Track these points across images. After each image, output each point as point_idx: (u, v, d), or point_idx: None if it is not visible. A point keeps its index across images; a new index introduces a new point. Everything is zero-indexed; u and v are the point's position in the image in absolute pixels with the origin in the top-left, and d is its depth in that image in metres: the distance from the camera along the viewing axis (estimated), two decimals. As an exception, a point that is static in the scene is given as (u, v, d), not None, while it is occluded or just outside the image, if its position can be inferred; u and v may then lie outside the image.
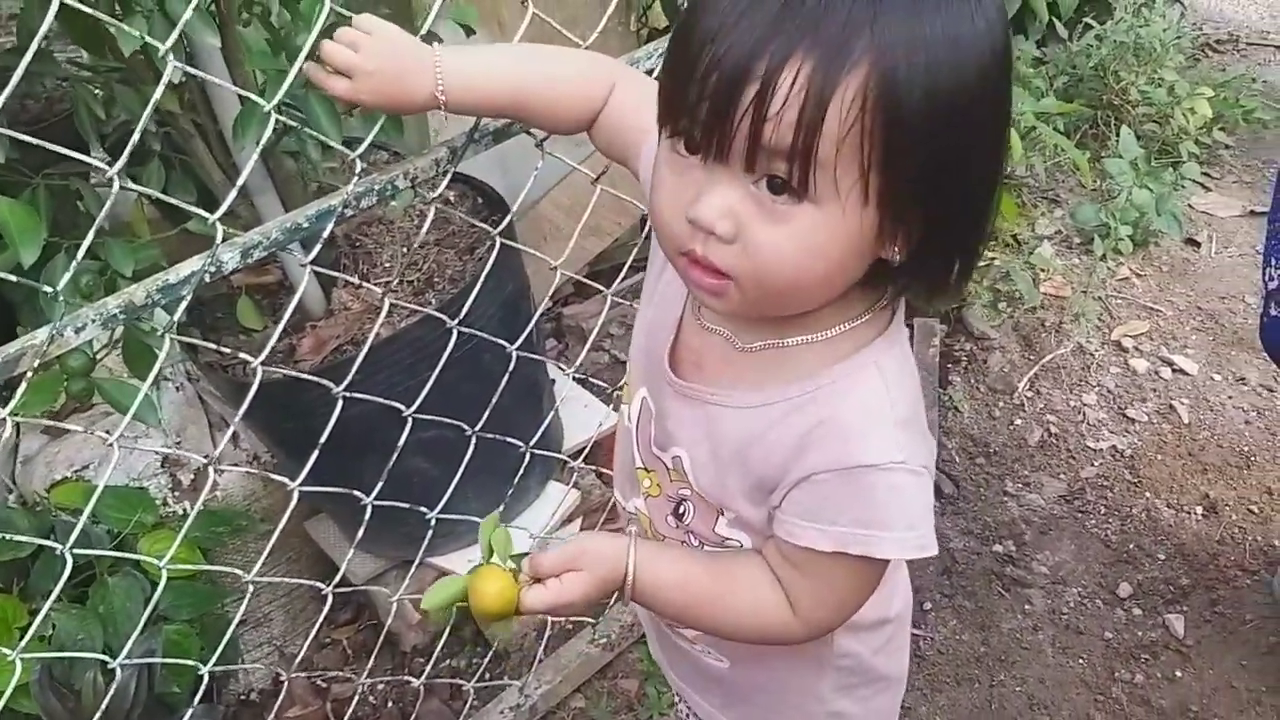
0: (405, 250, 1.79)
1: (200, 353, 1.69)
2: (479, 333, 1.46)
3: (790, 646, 1.06)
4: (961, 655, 1.95)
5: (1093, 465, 2.27)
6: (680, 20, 0.78)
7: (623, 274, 1.62)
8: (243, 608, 1.41)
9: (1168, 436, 2.32)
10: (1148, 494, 2.21)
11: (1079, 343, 2.54)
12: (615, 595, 0.95)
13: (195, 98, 1.51)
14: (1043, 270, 2.63)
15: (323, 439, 1.29)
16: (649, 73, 1.38)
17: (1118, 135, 2.86)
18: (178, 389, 1.96)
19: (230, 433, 1.58)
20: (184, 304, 1.10)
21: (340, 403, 1.30)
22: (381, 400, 1.36)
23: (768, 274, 0.77)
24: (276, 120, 1.11)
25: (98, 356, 1.41)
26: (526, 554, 0.93)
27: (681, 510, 0.99)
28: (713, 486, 0.94)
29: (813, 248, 0.76)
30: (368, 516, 1.44)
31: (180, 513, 1.80)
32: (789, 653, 1.07)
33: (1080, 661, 1.93)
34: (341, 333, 1.66)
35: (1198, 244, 2.85)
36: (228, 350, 1.27)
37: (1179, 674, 1.90)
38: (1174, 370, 2.47)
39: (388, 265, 1.76)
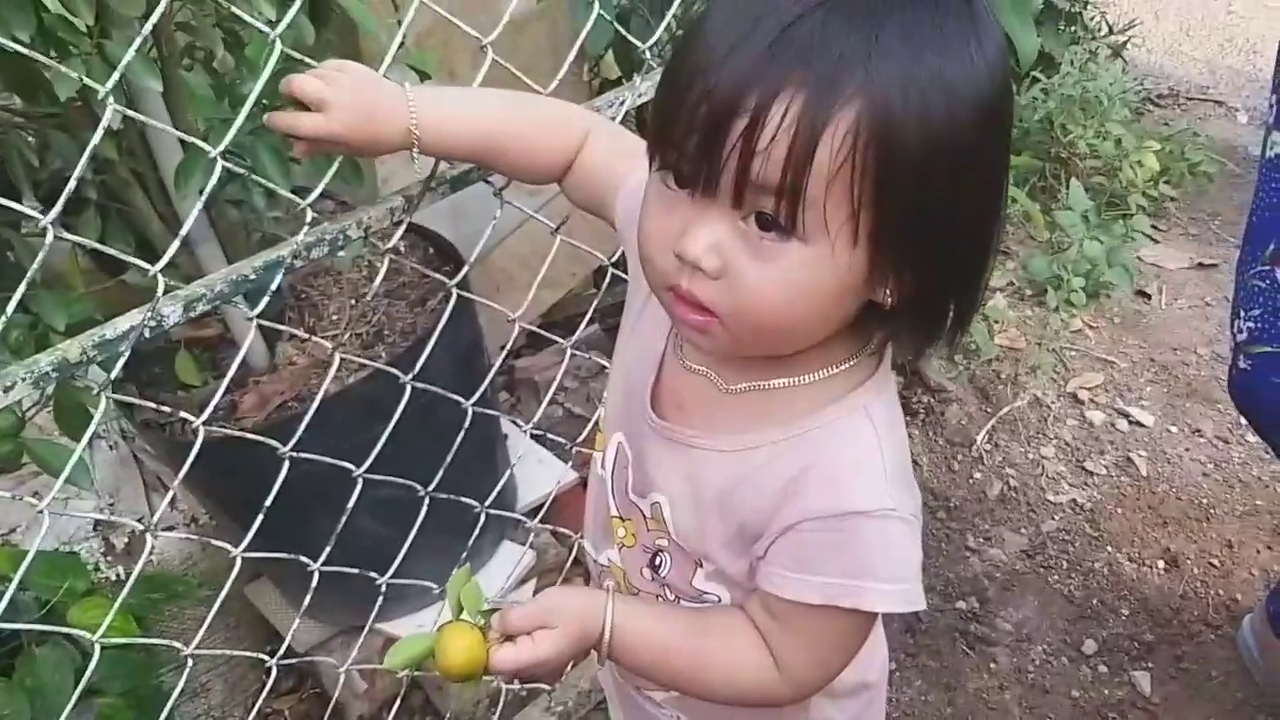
0: (354, 302, 1.72)
1: (136, 410, 1.61)
2: (433, 387, 1.40)
3: (760, 712, 1.01)
4: (928, 716, 1.91)
5: (1053, 519, 2.24)
6: (673, 53, 0.76)
7: (584, 324, 1.57)
8: (181, 681, 1.32)
9: (1127, 489, 2.31)
10: (1109, 548, 2.18)
11: (1035, 395, 2.53)
12: (588, 654, 0.90)
13: (134, 144, 1.44)
14: (997, 322, 2.63)
15: (268, 502, 1.23)
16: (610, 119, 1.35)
17: (1067, 188, 2.87)
18: (111, 447, 1.87)
19: (170, 496, 1.50)
20: (122, 361, 1.04)
21: (286, 463, 1.24)
22: (330, 460, 1.30)
23: (753, 312, 0.74)
24: (222, 167, 1.06)
25: (27, 415, 1.34)
26: (497, 609, 0.88)
27: (658, 562, 0.95)
28: (692, 534, 0.90)
29: (800, 286, 0.73)
30: (314, 583, 1.37)
31: (114, 578, 1.71)
32: (759, 717, 1.03)
33: (1048, 721, 1.90)
34: (286, 389, 1.59)
35: (1148, 296, 2.87)
36: (167, 409, 1.20)
37: (1147, 734, 1.87)
38: (1130, 422, 2.46)
39: (335, 318, 1.70)
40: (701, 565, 0.92)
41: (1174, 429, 2.45)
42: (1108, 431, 2.45)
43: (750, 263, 0.73)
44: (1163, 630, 2.03)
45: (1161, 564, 2.15)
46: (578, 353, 1.61)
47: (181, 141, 1.39)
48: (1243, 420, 2.43)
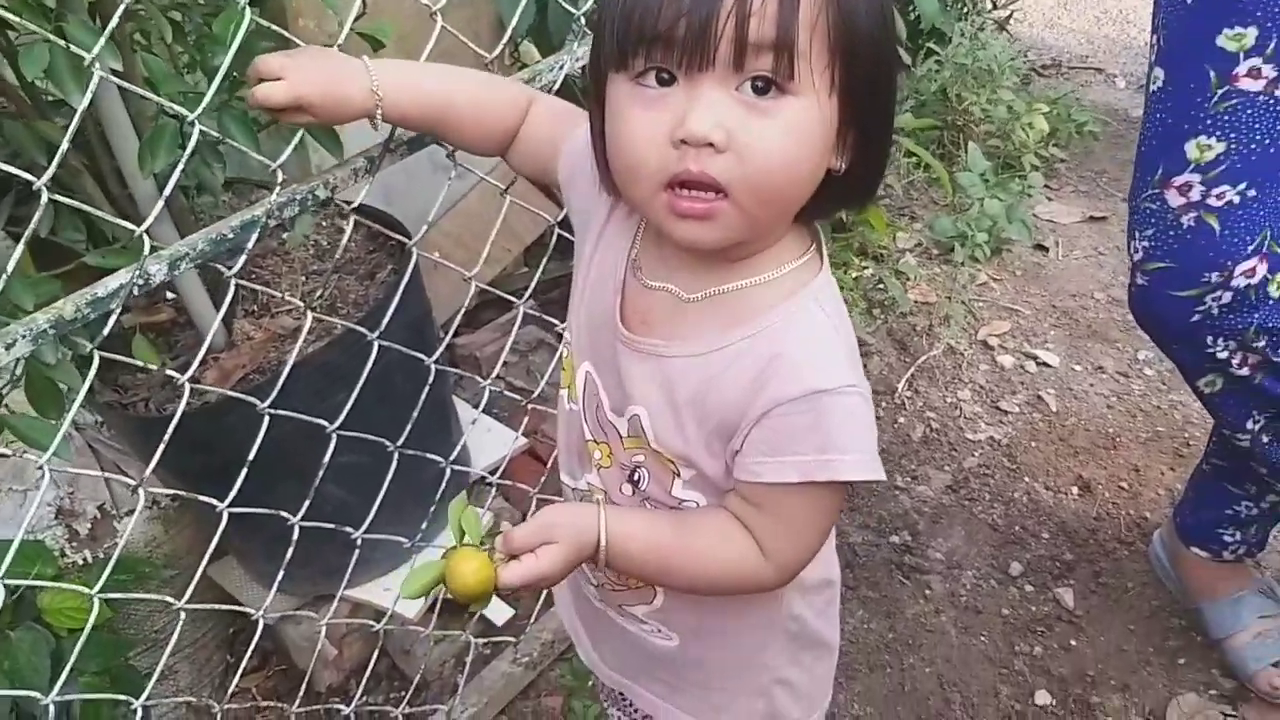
0: (305, 279, 1.78)
1: (96, 393, 1.64)
2: (396, 345, 1.46)
3: (740, 613, 1.10)
4: (871, 643, 2.02)
5: (973, 456, 2.38)
6: None
7: (529, 292, 1.65)
8: (161, 663, 1.37)
9: (1039, 425, 2.46)
10: (1026, 479, 2.33)
11: (949, 344, 2.68)
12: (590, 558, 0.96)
13: (89, 131, 1.48)
14: (909, 278, 2.77)
15: (251, 455, 1.28)
16: (548, 86, 1.43)
17: (965, 151, 3.03)
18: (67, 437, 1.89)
19: (148, 471, 1.54)
20: (113, 318, 1.09)
21: (263, 425, 1.29)
22: (304, 417, 1.35)
23: (763, 172, 0.82)
24: (196, 136, 1.11)
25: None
26: (499, 533, 0.95)
27: (636, 477, 1.02)
28: (672, 440, 0.96)
29: (800, 137, 0.82)
30: (291, 545, 1.42)
31: (80, 563, 1.74)
32: (738, 619, 1.11)
33: (982, 639, 2.02)
34: (247, 363, 1.64)
35: (1046, 249, 3.04)
36: (137, 399, 1.25)
37: (1073, 642, 2.01)
38: (1038, 364, 2.62)
39: (288, 294, 1.75)
40: (679, 474, 0.98)
41: (1078, 367, 2.61)
42: (1018, 373, 2.61)
43: (754, 125, 0.81)
44: (1081, 550, 2.17)
45: (1075, 490, 2.30)
46: (531, 312, 1.68)
47: (135, 125, 1.45)
48: (1140, 355, 2.61)
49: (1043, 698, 1.92)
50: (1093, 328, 2.74)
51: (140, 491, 1.22)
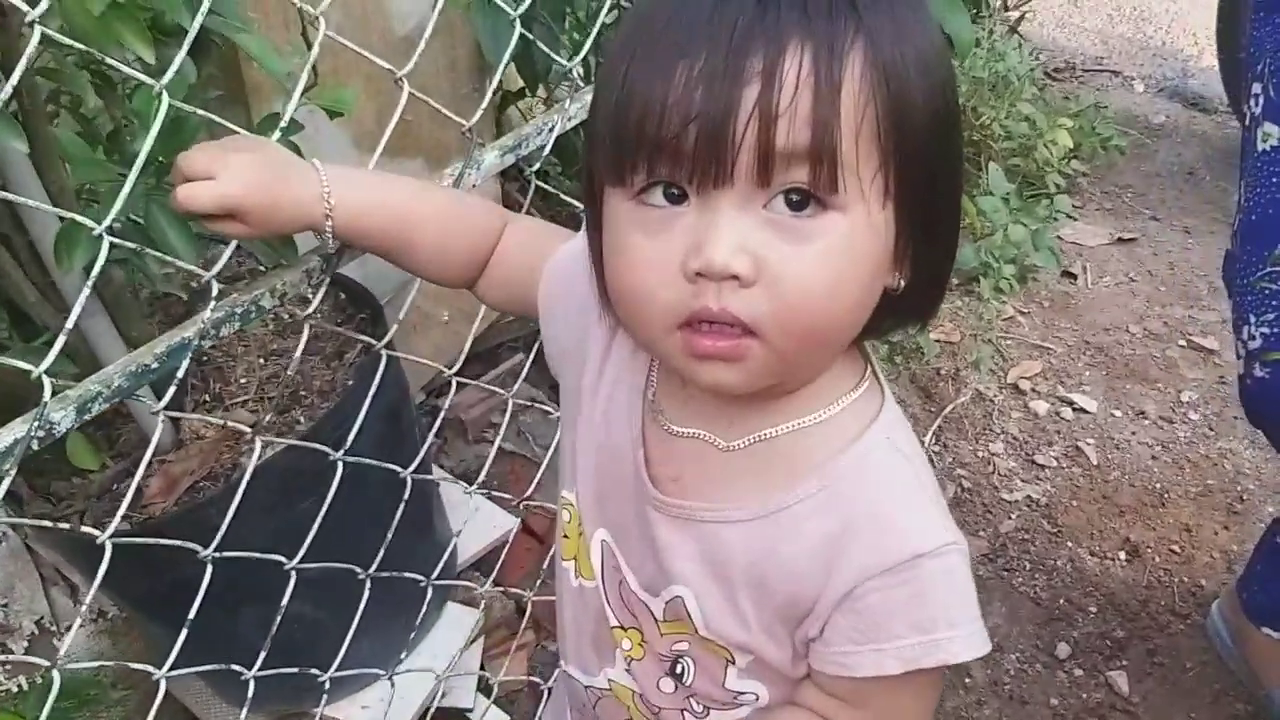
0: (263, 361, 1.56)
1: (27, 504, 1.43)
2: (365, 460, 1.26)
3: None
4: (908, 743, 1.82)
5: (1010, 519, 2.18)
6: (619, 52, 0.66)
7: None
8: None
9: (1080, 480, 2.26)
10: (1069, 543, 2.13)
11: (977, 389, 2.47)
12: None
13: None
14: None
15: (190, 615, 1.07)
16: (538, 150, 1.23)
17: (985, 171, 2.82)
18: (0, 539, 1.68)
19: (88, 598, 1.33)
20: (7, 481, 0.88)
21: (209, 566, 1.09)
22: (258, 555, 1.15)
23: (801, 308, 0.64)
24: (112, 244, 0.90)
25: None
26: None
27: (679, 669, 0.83)
28: (726, 625, 0.78)
29: (845, 263, 0.64)
30: (252, 688, 1.22)
31: (15, 690, 1.53)
32: None
33: (1030, 734, 1.83)
34: (196, 466, 1.43)
35: (1074, 275, 2.84)
36: (64, 524, 1.04)
37: (1131, 734, 1.81)
38: (1074, 409, 2.42)
39: (244, 381, 1.54)
40: (734, 661, 0.80)
41: (1118, 413, 2.41)
42: (1053, 421, 2.40)
43: (788, 252, 0.63)
44: (1132, 625, 1.98)
45: (1123, 555, 2.10)
46: (498, 390, 1.47)
47: (56, 200, 1.23)
48: (1184, 397, 2.42)
49: (1102, 802, 1.73)
50: (1130, 366, 2.53)
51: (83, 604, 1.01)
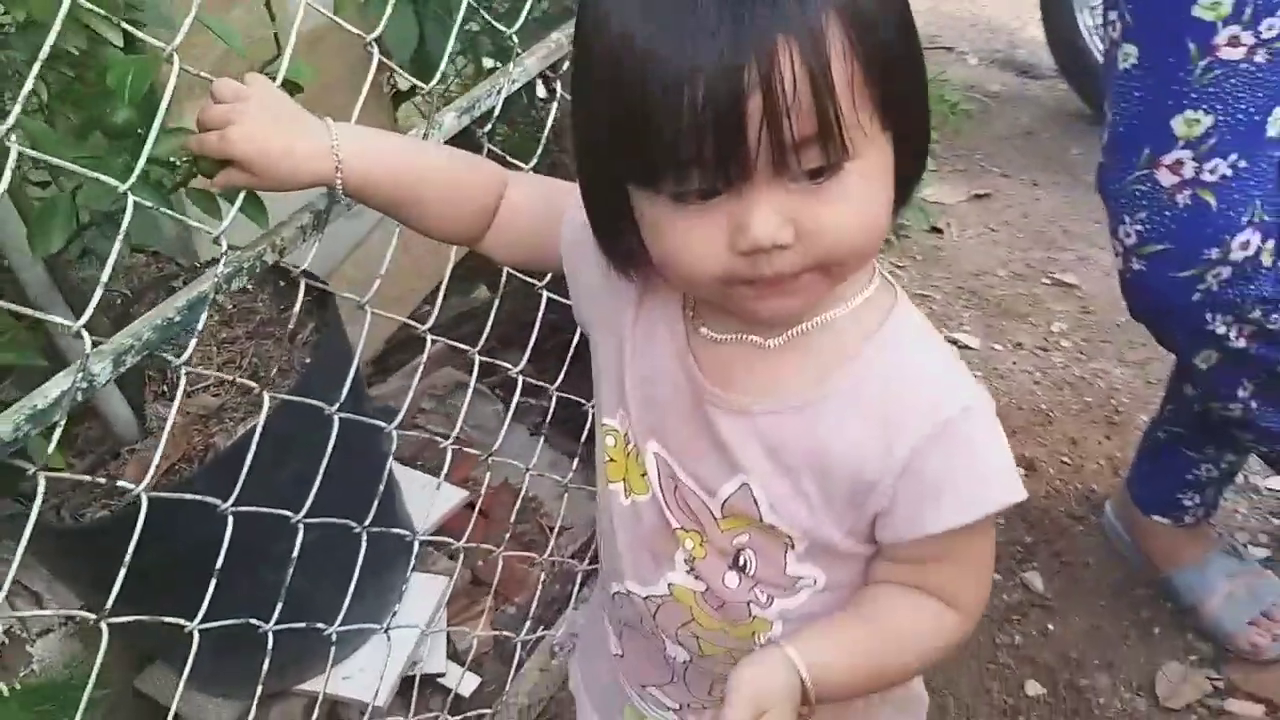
0: (216, 348, 1.60)
1: (-5, 507, 1.43)
2: (354, 415, 1.32)
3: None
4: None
5: (915, 449, 2.34)
6: (611, 82, 0.71)
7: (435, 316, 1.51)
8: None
9: (973, 409, 2.43)
10: (971, 465, 2.30)
11: (870, 337, 2.63)
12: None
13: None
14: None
15: (202, 616, 1.12)
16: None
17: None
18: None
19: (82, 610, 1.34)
20: (59, 432, 0.93)
21: (184, 536, 1.15)
22: (270, 510, 1.20)
23: (843, 244, 0.73)
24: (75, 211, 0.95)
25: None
26: None
27: (742, 561, 0.89)
28: (789, 506, 0.84)
29: (869, 197, 0.74)
30: (270, 649, 1.27)
31: (-8, 698, 1.52)
32: None
33: (961, 637, 1.97)
34: (170, 451, 1.45)
35: (940, 230, 3.04)
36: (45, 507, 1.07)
37: (1050, 627, 1.98)
38: (959, 346, 2.60)
39: (201, 369, 1.56)
40: (793, 546, 0.86)
41: (998, 346, 2.61)
42: (942, 359, 2.58)
43: (820, 211, 0.71)
44: (1038, 530, 2.15)
45: (1021, 470, 2.27)
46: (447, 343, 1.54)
47: (16, 202, 1.25)
48: (1054, 327, 2.63)
49: (1033, 688, 1.88)
50: (1003, 305, 2.74)
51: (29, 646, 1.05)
